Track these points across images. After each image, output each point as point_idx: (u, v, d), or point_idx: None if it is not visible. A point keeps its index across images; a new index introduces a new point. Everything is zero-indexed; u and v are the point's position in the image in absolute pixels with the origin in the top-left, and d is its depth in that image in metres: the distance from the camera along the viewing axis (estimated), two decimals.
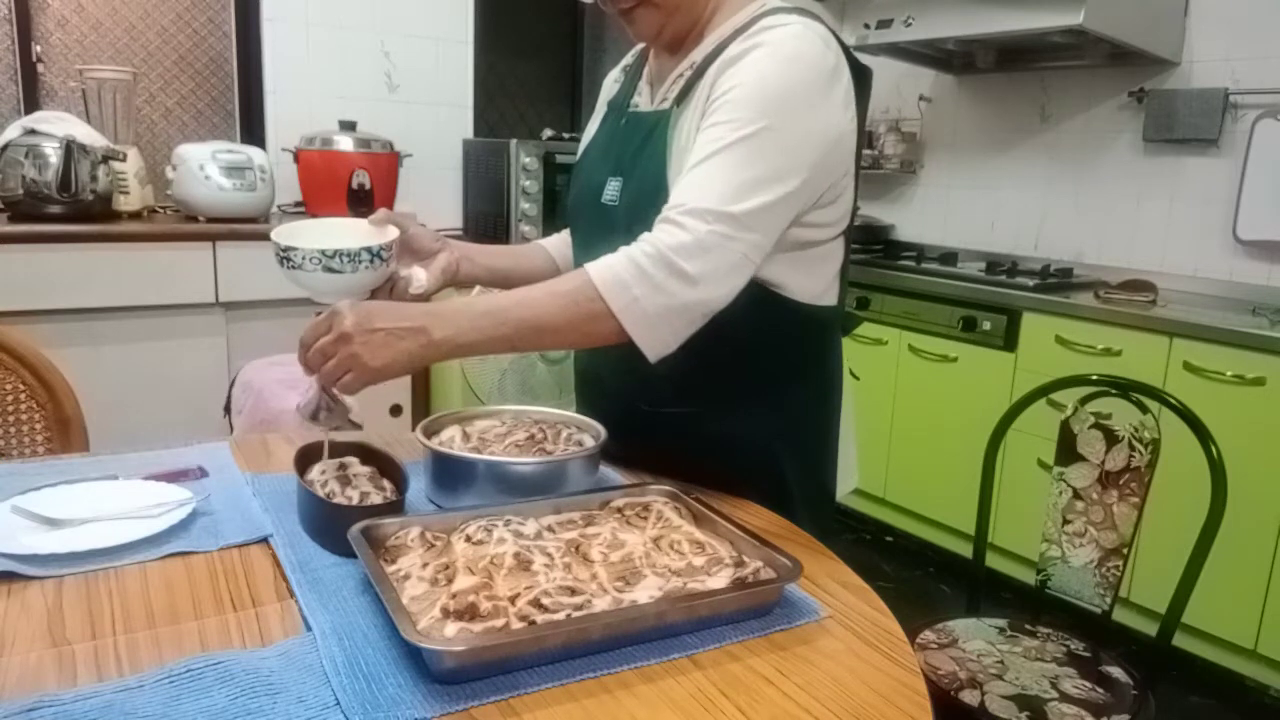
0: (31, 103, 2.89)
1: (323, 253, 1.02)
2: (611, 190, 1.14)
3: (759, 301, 1.04)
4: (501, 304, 0.96)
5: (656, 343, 0.97)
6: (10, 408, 1.48)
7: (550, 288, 0.97)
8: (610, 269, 0.95)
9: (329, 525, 0.91)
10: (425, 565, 0.82)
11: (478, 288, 1.31)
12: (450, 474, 1.04)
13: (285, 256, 1.04)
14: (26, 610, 0.79)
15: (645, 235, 0.97)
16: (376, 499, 0.96)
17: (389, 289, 1.12)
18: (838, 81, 1.03)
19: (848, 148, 1.06)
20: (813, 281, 1.12)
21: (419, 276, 1.14)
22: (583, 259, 1.18)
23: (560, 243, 1.37)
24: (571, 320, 0.95)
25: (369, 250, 1.05)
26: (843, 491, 1.27)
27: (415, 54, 3.45)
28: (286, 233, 1.07)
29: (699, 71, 1.08)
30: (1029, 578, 2.23)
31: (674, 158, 1.06)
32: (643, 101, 1.20)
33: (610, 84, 1.30)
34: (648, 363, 0.99)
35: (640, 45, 1.26)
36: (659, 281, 0.94)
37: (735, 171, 0.96)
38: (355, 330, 0.90)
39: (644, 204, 1.06)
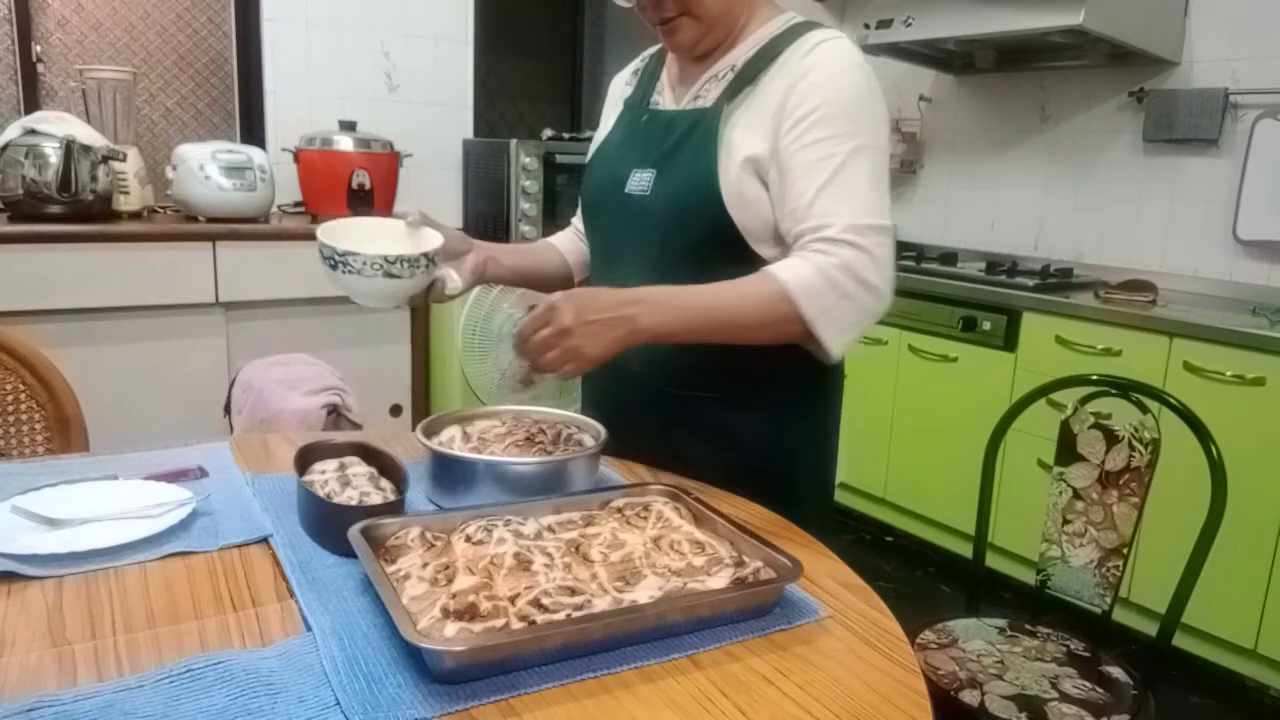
0: (31, 103, 2.89)
1: (385, 259, 1.04)
2: (640, 182, 1.17)
3: None
4: (701, 301, 1.04)
5: (842, 344, 1.06)
6: (10, 408, 1.49)
7: (743, 290, 1.05)
8: (802, 279, 1.03)
9: (329, 525, 0.91)
10: (425, 565, 0.82)
11: (497, 288, 1.35)
12: (450, 474, 1.04)
13: (342, 261, 1.04)
14: (26, 610, 0.79)
15: (825, 249, 1.03)
16: (376, 499, 0.95)
17: (427, 290, 1.15)
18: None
19: None
20: None
21: (453, 278, 1.17)
22: (607, 248, 1.26)
23: (567, 240, 1.42)
24: (763, 320, 1.04)
25: (426, 256, 1.08)
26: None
27: (415, 54, 3.45)
28: (334, 235, 1.08)
29: (745, 76, 1.12)
30: (1029, 578, 2.24)
31: (723, 151, 1.11)
32: (664, 100, 1.23)
33: (621, 85, 1.34)
34: (673, 348, 1.06)
35: (653, 49, 1.30)
36: (848, 290, 1.03)
37: (865, 184, 1.06)
38: (575, 324, 0.98)
39: (687, 196, 1.12)
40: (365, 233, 1.12)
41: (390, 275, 1.05)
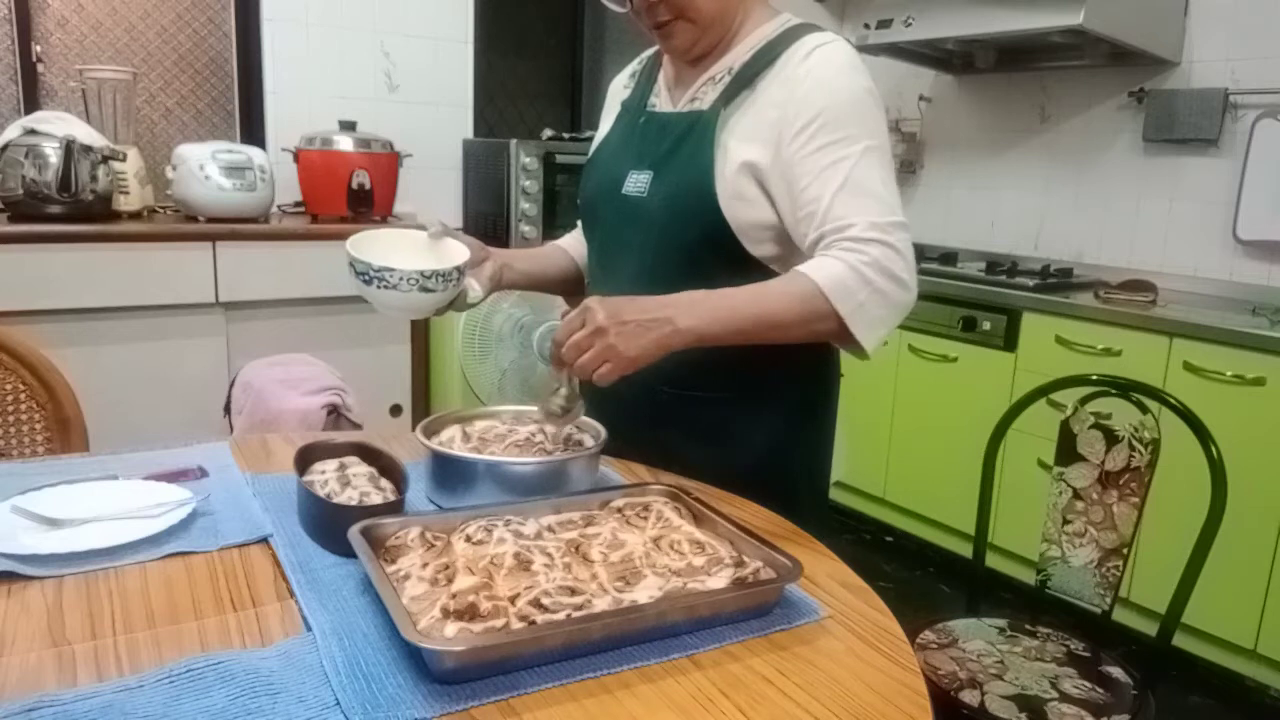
0: (31, 103, 2.89)
1: (421, 274, 1.06)
2: (637, 183, 1.18)
3: None
4: (738, 300, 1.05)
5: (875, 338, 1.08)
6: (10, 408, 1.49)
7: (781, 289, 1.06)
8: (834, 277, 1.04)
9: (329, 525, 0.91)
10: (425, 565, 0.82)
11: (517, 294, 1.35)
12: (450, 474, 1.04)
13: (378, 276, 1.06)
14: (26, 610, 0.79)
15: (854, 247, 1.04)
16: (376, 499, 0.96)
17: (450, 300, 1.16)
18: None
19: None
20: None
21: (474, 287, 1.18)
22: (604, 248, 1.26)
23: (575, 241, 1.42)
24: (799, 318, 1.05)
25: (458, 269, 1.10)
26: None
27: (415, 54, 3.45)
28: (362, 249, 1.09)
29: (742, 79, 1.13)
30: (1029, 578, 2.23)
31: (719, 154, 1.12)
32: (661, 103, 1.24)
33: (619, 89, 1.34)
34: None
35: (650, 51, 1.30)
36: (880, 285, 1.05)
37: (879, 183, 1.07)
38: (610, 324, 0.97)
39: (683, 197, 1.13)
40: (388, 245, 1.13)
41: (425, 290, 1.07)
